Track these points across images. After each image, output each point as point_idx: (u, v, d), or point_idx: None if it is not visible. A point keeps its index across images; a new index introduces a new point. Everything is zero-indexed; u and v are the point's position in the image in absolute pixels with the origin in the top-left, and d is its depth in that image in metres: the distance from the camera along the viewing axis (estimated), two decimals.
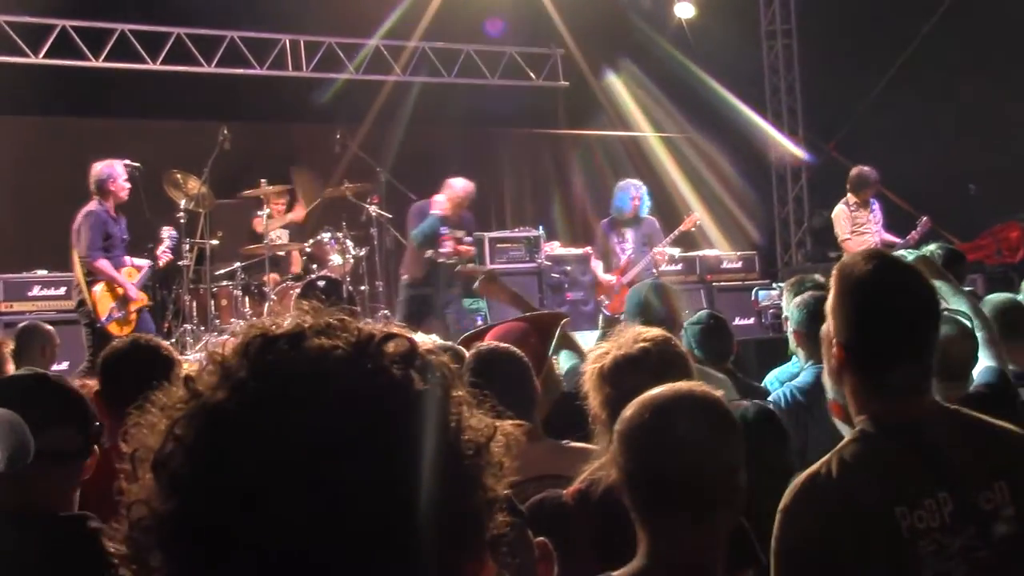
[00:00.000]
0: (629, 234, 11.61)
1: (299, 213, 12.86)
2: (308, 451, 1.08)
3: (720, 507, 2.46)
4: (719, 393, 2.58)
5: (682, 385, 2.59)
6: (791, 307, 5.76)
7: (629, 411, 2.52)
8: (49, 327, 7.93)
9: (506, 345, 4.17)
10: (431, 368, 1.18)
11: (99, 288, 9.98)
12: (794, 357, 5.89)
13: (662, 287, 5.76)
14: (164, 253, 10.61)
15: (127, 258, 10.30)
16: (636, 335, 3.17)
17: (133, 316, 10.14)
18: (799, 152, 16.36)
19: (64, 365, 9.60)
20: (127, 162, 10.56)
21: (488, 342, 4.35)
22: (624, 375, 3.05)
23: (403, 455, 1.11)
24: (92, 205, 9.99)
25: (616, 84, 15.70)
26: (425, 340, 1.16)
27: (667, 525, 2.47)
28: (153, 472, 1.13)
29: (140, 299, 10.26)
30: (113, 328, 9.86)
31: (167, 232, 10.70)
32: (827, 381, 2.84)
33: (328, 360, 1.14)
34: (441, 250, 11.12)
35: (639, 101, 15.68)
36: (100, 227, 9.92)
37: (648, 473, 2.46)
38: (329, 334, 1.17)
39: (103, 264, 9.94)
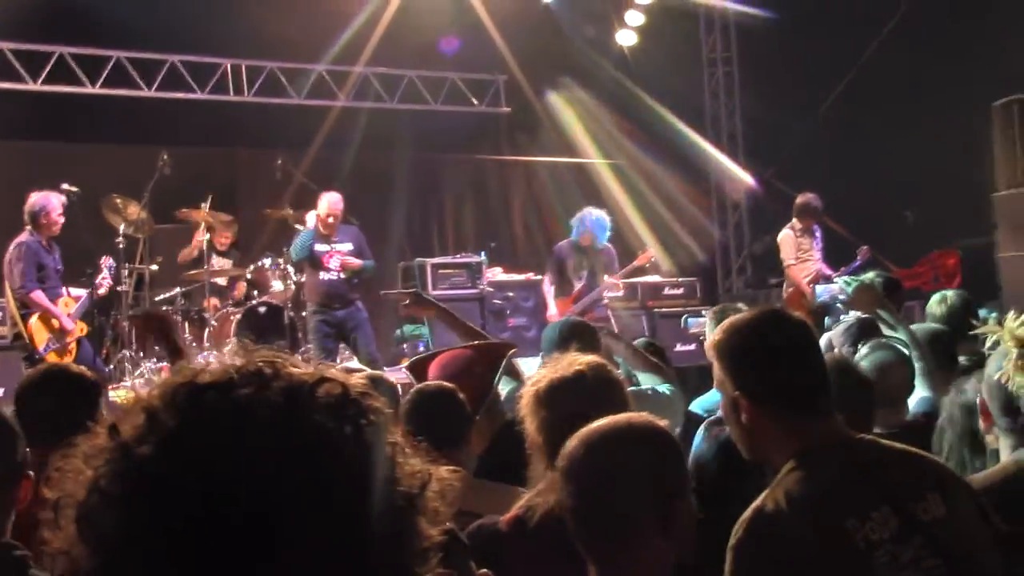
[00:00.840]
0: (584, 263, 11.64)
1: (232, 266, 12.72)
2: (238, 510, 1.06)
3: (661, 537, 2.44)
4: (663, 423, 2.58)
5: (621, 417, 2.60)
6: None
7: (569, 445, 2.53)
8: None
9: (441, 384, 4.18)
10: (364, 414, 1.16)
11: (34, 320, 9.81)
12: None
13: (579, 324, 5.73)
14: (104, 280, 10.39)
15: (63, 288, 10.11)
16: (572, 360, 3.19)
17: (72, 347, 9.97)
18: (748, 179, 16.44)
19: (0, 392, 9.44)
20: (65, 186, 10.43)
21: (428, 383, 4.34)
22: (560, 398, 3.06)
23: (337, 509, 1.10)
24: (24, 236, 9.80)
25: (559, 109, 15.75)
26: (358, 376, 1.13)
27: (611, 557, 2.46)
28: (77, 526, 1.10)
29: (77, 330, 10.06)
30: (52, 358, 9.66)
31: (106, 262, 10.49)
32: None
33: (257, 413, 1.12)
34: (328, 266, 11.00)
35: (582, 126, 15.75)
36: (32, 258, 9.74)
37: (588, 506, 2.47)
38: (259, 382, 1.14)
39: (38, 296, 9.76)
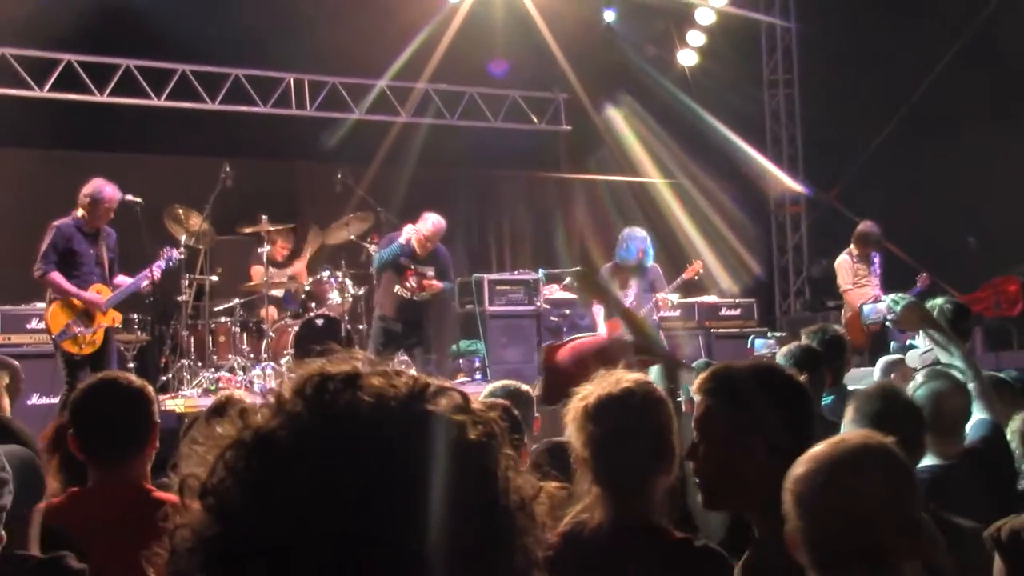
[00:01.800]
0: (632, 282, 11.58)
1: (299, 268, 12.77)
2: (360, 486, 1.10)
3: (904, 560, 2.36)
4: (889, 440, 2.46)
5: (852, 436, 2.51)
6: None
7: (800, 468, 2.40)
8: (14, 362, 7.14)
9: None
10: (483, 422, 1.21)
11: (54, 306, 9.41)
12: None
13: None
14: (157, 267, 10.05)
15: (103, 278, 9.67)
16: (619, 377, 3.17)
17: (98, 336, 9.53)
18: (797, 186, 16.41)
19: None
20: (129, 197, 10.47)
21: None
22: (608, 414, 3.04)
23: (452, 500, 1.13)
24: (62, 219, 9.51)
25: (619, 128, 15.73)
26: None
27: None
28: (201, 499, 1.15)
29: (108, 319, 9.62)
30: (68, 345, 9.38)
31: (167, 252, 10.23)
32: None
33: (384, 400, 1.16)
34: (406, 284, 11.04)
35: (641, 145, 15.71)
36: (60, 242, 9.40)
37: (826, 532, 2.34)
38: (385, 376, 1.19)
39: (54, 277, 9.36)
